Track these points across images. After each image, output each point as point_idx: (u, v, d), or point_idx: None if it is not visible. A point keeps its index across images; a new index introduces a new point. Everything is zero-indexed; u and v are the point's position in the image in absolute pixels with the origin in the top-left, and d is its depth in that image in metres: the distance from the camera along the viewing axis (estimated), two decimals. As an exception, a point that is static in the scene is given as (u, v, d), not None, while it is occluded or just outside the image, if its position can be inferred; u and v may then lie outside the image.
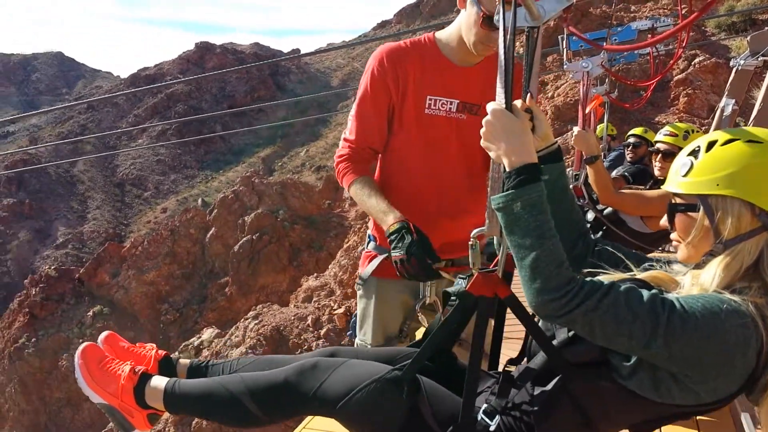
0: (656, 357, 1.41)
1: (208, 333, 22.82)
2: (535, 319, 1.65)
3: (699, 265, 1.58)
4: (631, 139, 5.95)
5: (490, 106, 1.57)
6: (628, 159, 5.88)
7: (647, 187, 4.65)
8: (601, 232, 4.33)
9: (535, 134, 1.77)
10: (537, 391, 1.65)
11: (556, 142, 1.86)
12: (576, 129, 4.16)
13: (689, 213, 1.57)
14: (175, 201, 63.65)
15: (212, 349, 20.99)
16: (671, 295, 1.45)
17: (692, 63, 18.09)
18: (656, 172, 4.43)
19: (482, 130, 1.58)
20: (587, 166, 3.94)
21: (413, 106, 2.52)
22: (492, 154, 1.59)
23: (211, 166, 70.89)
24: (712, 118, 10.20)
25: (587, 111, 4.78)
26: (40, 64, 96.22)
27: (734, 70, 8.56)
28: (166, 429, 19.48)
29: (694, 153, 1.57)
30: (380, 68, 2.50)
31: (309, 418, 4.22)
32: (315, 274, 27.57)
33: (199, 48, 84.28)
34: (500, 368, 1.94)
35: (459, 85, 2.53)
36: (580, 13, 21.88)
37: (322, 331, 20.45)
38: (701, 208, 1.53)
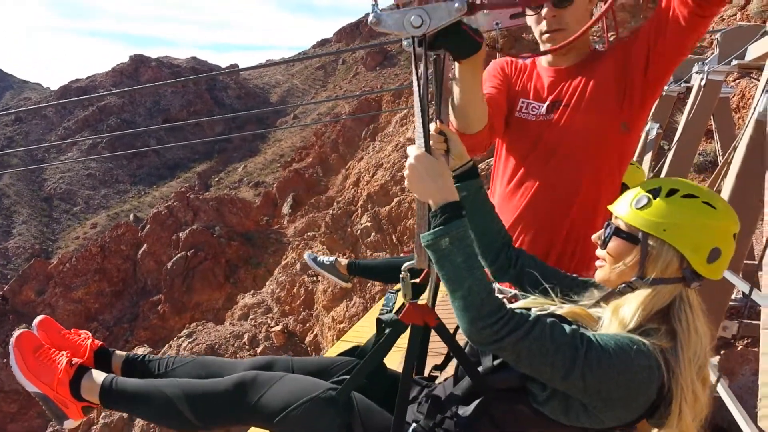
0: (572, 388, 1.55)
1: (139, 352, 22.08)
2: (462, 346, 1.79)
3: (611, 295, 1.73)
4: None
5: (410, 151, 1.69)
6: None
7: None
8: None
9: (450, 154, 1.90)
10: (461, 410, 1.79)
11: (471, 159, 1.97)
12: None
13: (628, 241, 1.67)
14: (106, 216, 61.84)
15: (144, 369, 20.39)
16: (588, 332, 1.59)
17: (619, 88, 18.88)
18: None
19: (405, 173, 1.70)
20: None
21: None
22: (416, 195, 1.72)
23: (144, 181, 69.24)
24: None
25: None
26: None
27: (658, 96, 9.05)
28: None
29: (654, 192, 1.67)
30: None
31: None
32: (252, 291, 27.20)
33: (133, 60, 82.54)
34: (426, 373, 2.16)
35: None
36: (513, 38, 22.63)
37: (259, 349, 20.21)
38: (640, 243, 1.65)
